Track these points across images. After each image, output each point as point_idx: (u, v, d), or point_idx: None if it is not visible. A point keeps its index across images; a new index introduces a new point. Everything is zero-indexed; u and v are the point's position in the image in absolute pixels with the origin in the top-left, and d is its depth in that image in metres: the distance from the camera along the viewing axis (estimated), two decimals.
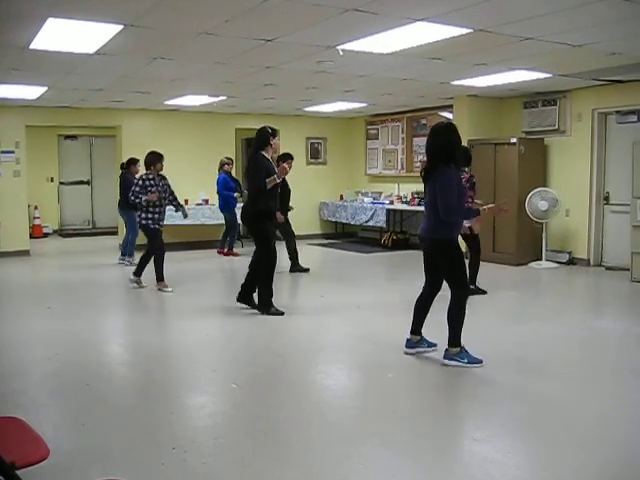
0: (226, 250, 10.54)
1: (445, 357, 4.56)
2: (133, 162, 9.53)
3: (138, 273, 7.62)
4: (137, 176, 7.60)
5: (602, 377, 4.45)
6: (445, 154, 4.44)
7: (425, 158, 4.72)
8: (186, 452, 3.15)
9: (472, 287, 6.70)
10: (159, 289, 7.45)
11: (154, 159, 7.51)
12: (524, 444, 3.32)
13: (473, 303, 6.78)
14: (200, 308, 7.01)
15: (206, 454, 3.16)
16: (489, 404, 3.88)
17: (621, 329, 5.73)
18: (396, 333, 5.53)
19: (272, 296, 6.21)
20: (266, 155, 6.13)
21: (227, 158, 10.54)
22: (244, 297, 6.39)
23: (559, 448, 3.22)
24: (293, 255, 8.80)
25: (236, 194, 10.32)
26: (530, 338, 5.36)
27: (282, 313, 6.16)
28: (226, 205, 10.34)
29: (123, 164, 9.78)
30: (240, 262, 10.20)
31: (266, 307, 6.18)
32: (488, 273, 7.95)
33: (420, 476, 2.96)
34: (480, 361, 4.49)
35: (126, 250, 9.61)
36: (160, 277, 7.49)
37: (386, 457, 3.11)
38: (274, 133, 6.19)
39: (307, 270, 8.80)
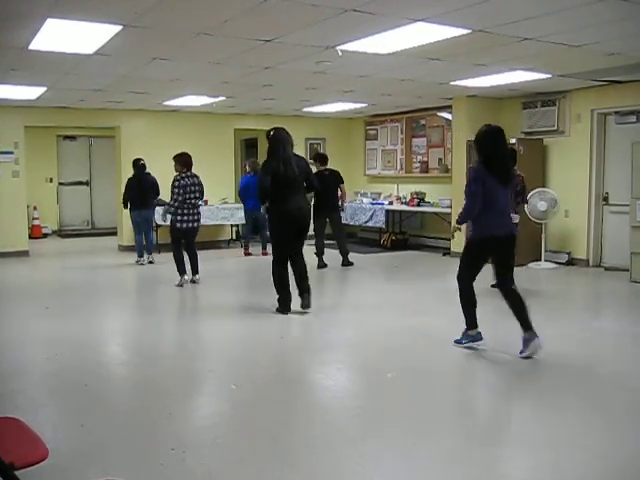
0: (257, 250, 10.66)
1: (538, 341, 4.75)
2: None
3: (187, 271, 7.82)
4: (191, 178, 7.63)
5: (602, 377, 4.45)
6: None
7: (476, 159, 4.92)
8: (185, 452, 3.14)
9: None
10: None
11: (190, 159, 7.70)
12: (524, 444, 3.32)
13: None
14: (199, 308, 7.02)
15: (205, 454, 3.15)
16: (489, 404, 3.88)
17: (620, 329, 5.73)
18: (395, 333, 5.54)
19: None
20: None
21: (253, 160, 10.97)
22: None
23: (560, 449, 3.22)
24: (346, 252, 9.37)
25: None
26: None
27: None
28: (258, 205, 10.44)
29: (143, 164, 9.78)
30: (245, 262, 10.22)
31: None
32: (487, 273, 7.95)
33: (420, 477, 2.95)
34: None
35: (144, 249, 9.74)
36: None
37: (385, 457, 3.10)
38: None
39: (352, 264, 9.28)
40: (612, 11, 4.83)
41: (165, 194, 10.29)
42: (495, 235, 4.75)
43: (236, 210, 11.57)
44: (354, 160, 13.29)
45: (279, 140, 6.08)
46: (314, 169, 8.70)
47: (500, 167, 4.70)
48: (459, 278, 4.92)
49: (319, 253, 9.18)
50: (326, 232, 9.30)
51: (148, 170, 9.70)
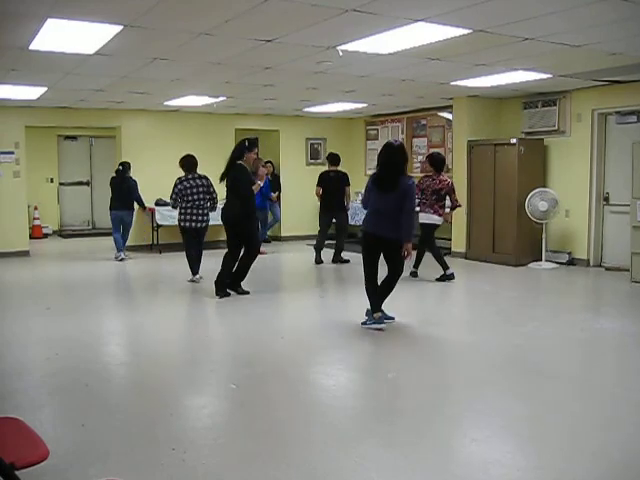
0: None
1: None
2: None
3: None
4: (193, 180, 7.82)
5: (602, 377, 4.46)
6: (404, 168, 5.49)
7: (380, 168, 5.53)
8: (185, 452, 3.15)
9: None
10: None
11: (192, 159, 7.93)
12: (524, 445, 3.32)
13: (475, 304, 6.80)
14: (199, 308, 7.01)
15: (205, 454, 3.16)
16: (490, 404, 3.87)
17: (621, 330, 5.73)
18: (395, 333, 5.54)
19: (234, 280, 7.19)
20: (244, 164, 7.00)
21: (267, 162, 11.48)
22: (232, 285, 7.20)
23: (560, 449, 3.22)
24: (340, 249, 9.70)
25: (274, 194, 11.59)
26: (530, 339, 5.36)
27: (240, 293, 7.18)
28: (264, 204, 10.69)
29: (123, 170, 10.00)
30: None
31: (222, 288, 7.09)
32: (488, 273, 7.96)
33: (419, 476, 2.95)
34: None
35: (123, 245, 10.11)
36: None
37: (386, 457, 3.11)
38: (249, 147, 7.06)
39: (347, 261, 9.59)
40: (614, 11, 4.82)
41: (153, 195, 10.53)
42: (366, 231, 5.56)
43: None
44: (355, 160, 13.28)
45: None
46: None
47: (379, 178, 5.46)
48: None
49: (318, 248, 9.59)
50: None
51: (131, 174, 9.97)
